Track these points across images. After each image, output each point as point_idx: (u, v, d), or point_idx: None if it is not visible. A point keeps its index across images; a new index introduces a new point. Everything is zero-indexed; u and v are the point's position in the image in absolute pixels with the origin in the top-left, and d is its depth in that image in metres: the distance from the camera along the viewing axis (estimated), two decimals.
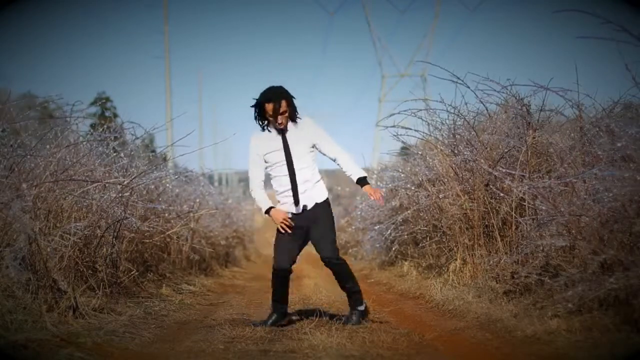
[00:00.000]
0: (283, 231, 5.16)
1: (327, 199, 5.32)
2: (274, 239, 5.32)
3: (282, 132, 5.17)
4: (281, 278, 5.28)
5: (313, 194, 5.22)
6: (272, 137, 5.21)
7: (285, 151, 5.16)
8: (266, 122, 5.19)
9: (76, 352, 3.79)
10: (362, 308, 5.33)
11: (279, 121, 5.12)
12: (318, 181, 5.27)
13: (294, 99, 5.17)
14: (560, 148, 5.92)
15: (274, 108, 5.09)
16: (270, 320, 5.28)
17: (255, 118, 5.20)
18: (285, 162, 5.16)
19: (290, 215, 5.18)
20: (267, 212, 5.23)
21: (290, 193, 5.19)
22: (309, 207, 5.19)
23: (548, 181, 5.33)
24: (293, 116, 5.18)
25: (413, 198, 8.47)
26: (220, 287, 9.33)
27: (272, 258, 5.39)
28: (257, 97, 5.15)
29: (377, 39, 48.50)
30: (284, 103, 5.11)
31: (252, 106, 5.18)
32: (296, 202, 5.18)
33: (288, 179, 5.17)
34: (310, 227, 5.21)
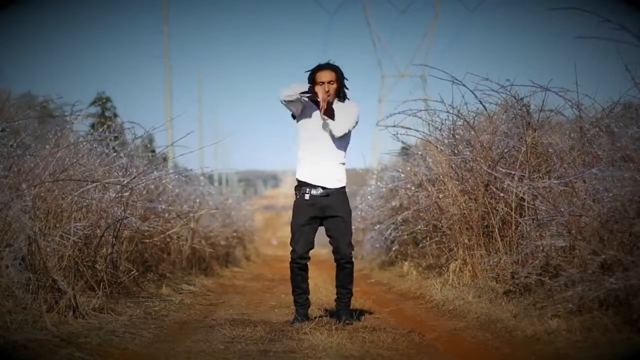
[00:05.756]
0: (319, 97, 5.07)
1: (345, 187, 5.20)
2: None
3: (318, 103, 5.09)
4: (297, 269, 5.17)
5: (336, 176, 5.14)
6: (315, 107, 5.15)
7: (322, 117, 5.10)
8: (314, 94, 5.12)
9: (76, 352, 3.78)
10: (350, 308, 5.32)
11: (326, 89, 5.08)
12: (343, 164, 5.19)
13: (345, 79, 5.17)
14: (560, 148, 5.91)
15: (323, 75, 5.10)
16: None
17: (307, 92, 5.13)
18: (320, 129, 5.11)
19: (307, 198, 5.07)
20: (307, 91, 5.06)
21: (315, 167, 5.12)
22: (330, 188, 5.09)
23: (548, 181, 5.32)
24: (339, 93, 5.17)
25: (413, 198, 8.48)
26: (220, 287, 9.33)
27: (288, 249, 5.25)
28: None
29: (377, 39, 48.55)
30: (332, 74, 5.12)
31: (307, 71, 5.19)
32: (319, 177, 5.09)
33: (317, 148, 5.13)
34: (327, 217, 5.10)
